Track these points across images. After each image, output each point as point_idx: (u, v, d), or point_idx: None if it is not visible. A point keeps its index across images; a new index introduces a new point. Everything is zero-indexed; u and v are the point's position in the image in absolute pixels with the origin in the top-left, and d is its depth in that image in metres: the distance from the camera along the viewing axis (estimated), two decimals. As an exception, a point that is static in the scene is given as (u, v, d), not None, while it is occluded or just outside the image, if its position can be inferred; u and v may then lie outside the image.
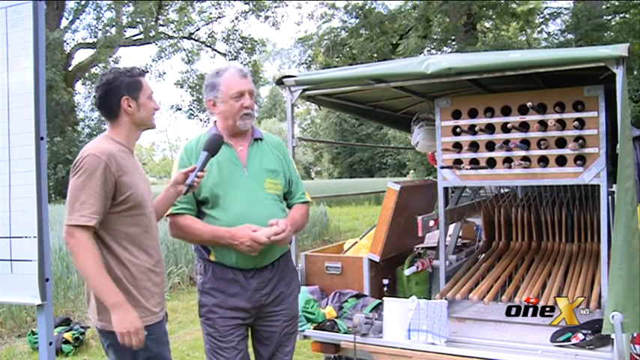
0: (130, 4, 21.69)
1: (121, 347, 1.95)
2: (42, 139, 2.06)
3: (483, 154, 3.08)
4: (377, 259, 3.27)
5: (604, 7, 13.04)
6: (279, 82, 3.28)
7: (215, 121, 2.46)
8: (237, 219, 2.25)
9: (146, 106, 2.10)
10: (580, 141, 2.80)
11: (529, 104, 2.79)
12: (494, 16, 15.61)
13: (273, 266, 2.38)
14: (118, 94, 2.04)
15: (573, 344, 2.51)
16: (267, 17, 23.22)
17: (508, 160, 3.00)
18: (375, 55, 15.96)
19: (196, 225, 2.28)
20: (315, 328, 2.98)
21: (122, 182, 1.97)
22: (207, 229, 2.27)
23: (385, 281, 3.31)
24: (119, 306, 1.90)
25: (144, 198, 2.07)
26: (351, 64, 13.45)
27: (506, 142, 2.98)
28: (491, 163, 3.06)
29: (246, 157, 2.37)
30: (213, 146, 2.22)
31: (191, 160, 2.34)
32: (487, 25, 17.10)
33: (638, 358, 3.11)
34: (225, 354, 2.32)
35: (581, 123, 2.81)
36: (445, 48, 15.22)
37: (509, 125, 2.94)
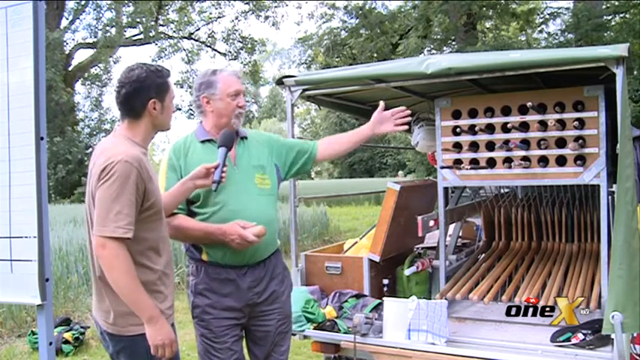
0: (130, 4, 21.70)
1: (135, 351, 1.93)
2: (42, 139, 2.05)
3: (483, 154, 3.07)
4: (377, 259, 3.27)
5: (604, 7, 13.02)
6: (279, 82, 3.28)
7: (201, 122, 2.46)
8: (229, 215, 2.28)
9: (169, 109, 2.04)
10: (580, 141, 2.80)
11: (529, 104, 2.79)
12: (494, 16, 15.60)
13: (265, 264, 2.40)
14: (147, 95, 1.95)
15: (573, 344, 2.51)
16: (267, 17, 23.24)
17: (508, 160, 3.00)
18: (375, 55, 15.95)
19: (188, 223, 2.30)
20: (315, 328, 2.97)
21: (148, 189, 1.92)
22: (199, 226, 2.28)
23: (385, 281, 3.31)
24: (155, 319, 1.88)
25: (161, 203, 2.04)
26: (351, 64, 13.44)
27: (506, 142, 2.98)
28: (491, 163, 3.05)
29: (235, 156, 2.40)
30: (229, 140, 2.26)
31: (180, 160, 2.36)
32: (487, 25, 17.09)
33: (638, 358, 3.11)
34: (219, 355, 2.32)
35: (581, 123, 2.81)
36: (445, 48, 15.20)
37: (509, 125, 2.94)
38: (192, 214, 2.34)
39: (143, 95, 1.96)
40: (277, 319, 2.44)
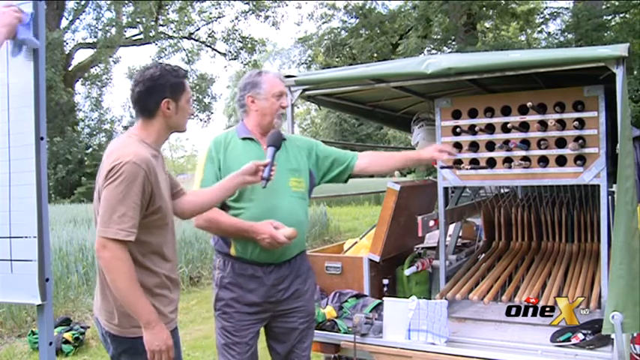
0: (130, 4, 21.71)
1: (137, 352, 1.91)
2: (42, 139, 2.04)
3: (483, 154, 3.07)
4: (377, 259, 3.26)
5: (604, 7, 13.03)
6: (280, 82, 3.27)
7: (242, 120, 2.54)
8: (262, 213, 2.34)
9: (184, 110, 2.02)
10: (580, 141, 2.80)
11: (529, 104, 2.79)
12: (494, 16, 15.61)
13: (290, 263, 2.47)
14: (161, 95, 1.94)
15: (573, 344, 2.51)
16: (267, 17, 23.27)
17: (508, 160, 3.00)
18: (375, 55, 15.97)
19: (221, 218, 2.35)
20: (315, 328, 2.97)
21: (155, 193, 1.90)
22: (232, 222, 2.34)
23: (385, 281, 3.31)
24: (153, 324, 1.86)
25: (169, 208, 2.02)
26: (351, 64, 13.45)
27: (506, 142, 2.98)
28: (491, 163, 3.05)
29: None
30: (277, 140, 2.34)
31: (219, 154, 2.43)
32: (487, 25, 17.11)
33: (638, 358, 3.11)
34: (237, 349, 2.39)
35: (581, 123, 2.81)
36: (445, 48, 15.22)
37: (509, 125, 2.94)
38: (225, 207, 2.40)
39: (156, 94, 1.94)
40: (300, 316, 2.51)
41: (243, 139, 2.48)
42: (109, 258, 1.81)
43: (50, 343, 2.09)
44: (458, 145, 3.14)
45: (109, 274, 1.83)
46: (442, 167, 3.17)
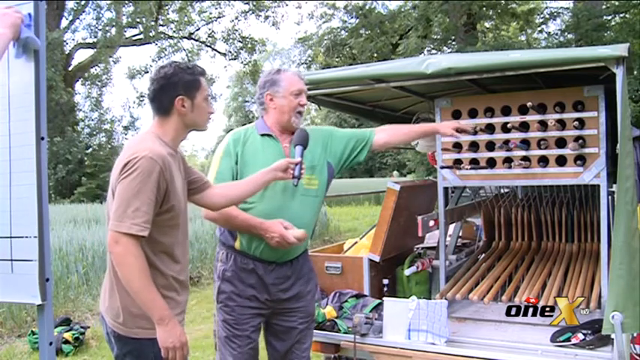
0: (130, 4, 21.72)
1: (141, 354, 1.89)
2: (42, 139, 2.04)
3: (483, 154, 3.08)
4: (377, 259, 3.27)
5: (604, 7, 13.02)
6: (280, 82, 3.27)
7: (262, 117, 2.55)
8: (271, 210, 2.35)
9: (201, 107, 2.01)
10: (580, 141, 2.80)
11: (529, 104, 2.79)
12: (494, 16, 15.60)
13: (292, 264, 2.47)
14: (174, 92, 1.94)
15: (573, 344, 2.51)
16: (267, 17, 23.28)
17: (508, 160, 3.00)
18: (375, 55, 15.97)
19: (233, 212, 2.35)
20: (315, 328, 2.97)
21: (170, 191, 1.89)
22: (242, 216, 2.35)
23: (385, 281, 3.31)
24: (167, 320, 1.82)
25: (182, 208, 2.00)
26: (351, 64, 13.45)
27: (506, 142, 2.98)
28: (491, 163, 3.06)
29: (289, 154, 2.46)
30: (304, 139, 2.37)
31: (237, 148, 2.44)
32: (487, 25, 17.09)
33: (638, 358, 3.11)
34: (237, 341, 2.41)
35: (581, 123, 2.81)
36: (445, 48, 15.21)
37: (509, 125, 2.94)
38: None
39: (170, 92, 1.94)
40: (300, 317, 2.52)
41: (262, 135, 2.49)
42: (122, 253, 1.78)
43: (50, 343, 2.08)
44: (458, 145, 3.14)
45: (121, 269, 1.80)
46: (442, 167, 3.18)
